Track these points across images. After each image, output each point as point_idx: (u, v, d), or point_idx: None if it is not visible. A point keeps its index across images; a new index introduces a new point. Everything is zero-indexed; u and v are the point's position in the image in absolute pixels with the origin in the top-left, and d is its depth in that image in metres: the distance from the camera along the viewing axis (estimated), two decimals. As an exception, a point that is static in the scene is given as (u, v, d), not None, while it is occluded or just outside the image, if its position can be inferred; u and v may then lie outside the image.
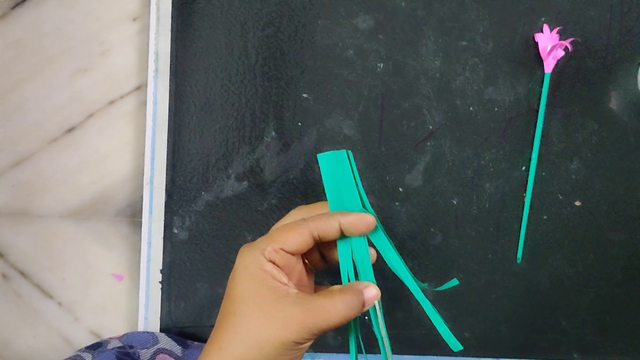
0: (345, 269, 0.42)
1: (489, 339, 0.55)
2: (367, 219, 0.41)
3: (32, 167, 0.57)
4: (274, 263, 0.40)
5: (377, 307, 0.42)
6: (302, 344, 0.38)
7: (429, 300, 0.44)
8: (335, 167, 0.43)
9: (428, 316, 0.43)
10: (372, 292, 0.40)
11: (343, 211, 0.42)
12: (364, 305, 0.40)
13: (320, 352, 0.55)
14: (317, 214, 0.42)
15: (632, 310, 0.55)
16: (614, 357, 0.55)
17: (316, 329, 0.38)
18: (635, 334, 0.55)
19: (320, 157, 0.43)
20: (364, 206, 0.43)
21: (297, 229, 0.40)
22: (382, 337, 0.42)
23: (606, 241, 0.55)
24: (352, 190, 0.43)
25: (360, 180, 0.55)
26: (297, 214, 0.43)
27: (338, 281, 0.42)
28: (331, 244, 0.43)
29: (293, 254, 0.40)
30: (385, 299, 0.55)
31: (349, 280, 0.42)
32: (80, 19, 0.58)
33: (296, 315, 0.38)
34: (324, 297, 0.39)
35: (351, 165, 0.43)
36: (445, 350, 0.43)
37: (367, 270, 0.42)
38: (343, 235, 0.42)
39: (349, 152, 0.43)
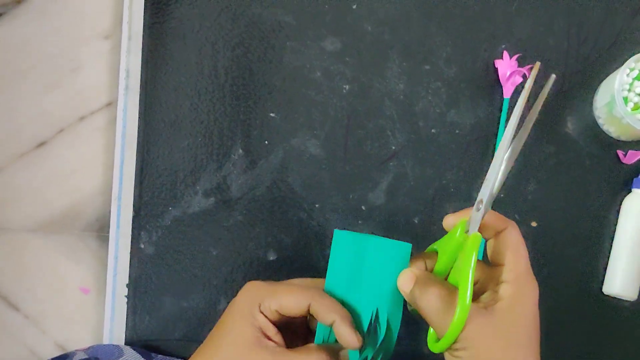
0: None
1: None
2: (356, 344, 0.40)
3: (1, 181, 0.58)
4: (266, 317, 0.41)
5: None
6: None
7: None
8: (351, 249, 0.39)
9: None
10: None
11: (344, 317, 0.40)
12: None
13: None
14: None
15: (583, 321, 0.57)
16: (567, 373, 0.57)
17: None
18: (586, 344, 0.57)
19: (337, 233, 0.39)
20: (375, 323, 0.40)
21: (299, 293, 0.40)
22: None
23: (560, 256, 0.57)
24: (359, 282, 0.40)
25: (327, 199, 0.57)
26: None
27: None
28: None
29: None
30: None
31: (323, 340, 0.43)
32: (52, 36, 0.59)
33: None
34: (299, 352, 0.40)
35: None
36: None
37: None
38: None
39: (409, 245, 0.38)
